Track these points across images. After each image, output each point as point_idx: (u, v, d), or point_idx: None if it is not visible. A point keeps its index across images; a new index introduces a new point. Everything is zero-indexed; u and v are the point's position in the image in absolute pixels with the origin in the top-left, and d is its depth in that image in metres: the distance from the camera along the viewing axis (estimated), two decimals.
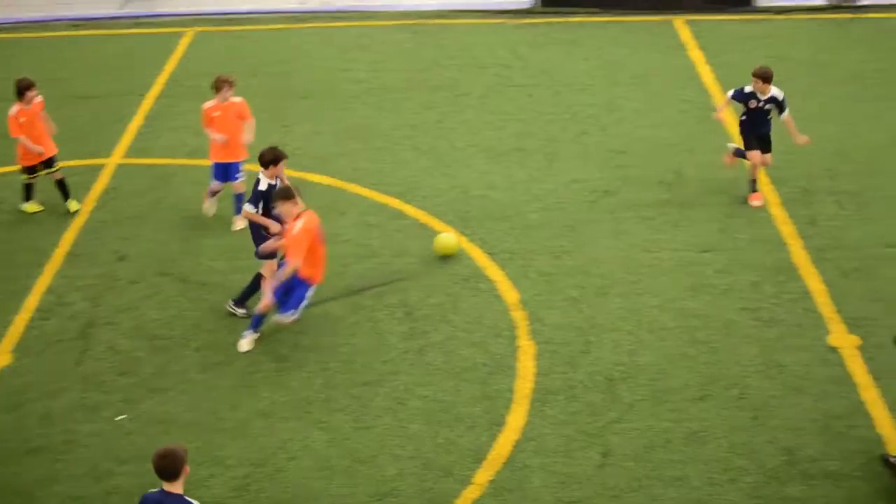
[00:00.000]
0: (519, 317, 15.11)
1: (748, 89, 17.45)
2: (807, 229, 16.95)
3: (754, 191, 17.73)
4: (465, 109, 21.15)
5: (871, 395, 13.56)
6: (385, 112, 21.12)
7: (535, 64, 23.10)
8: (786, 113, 17.47)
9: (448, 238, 16.63)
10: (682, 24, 24.79)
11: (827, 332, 14.71)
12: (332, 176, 18.77)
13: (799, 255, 16.34)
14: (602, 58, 23.35)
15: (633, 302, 15.37)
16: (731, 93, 17.72)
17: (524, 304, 15.38)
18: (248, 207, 15.04)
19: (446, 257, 16.47)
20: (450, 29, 25.01)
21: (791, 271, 15.97)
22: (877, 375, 13.86)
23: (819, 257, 16.26)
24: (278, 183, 14.87)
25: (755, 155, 17.54)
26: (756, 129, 17.56)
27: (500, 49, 23.91)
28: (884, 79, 22.04)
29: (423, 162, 19.24)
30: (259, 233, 15.13)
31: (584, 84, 22.06)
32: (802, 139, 17.67)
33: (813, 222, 17.15)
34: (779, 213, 17.37)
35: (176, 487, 9.53)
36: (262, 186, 14.88)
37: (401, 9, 26.13)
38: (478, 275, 16.05)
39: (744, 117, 17.64)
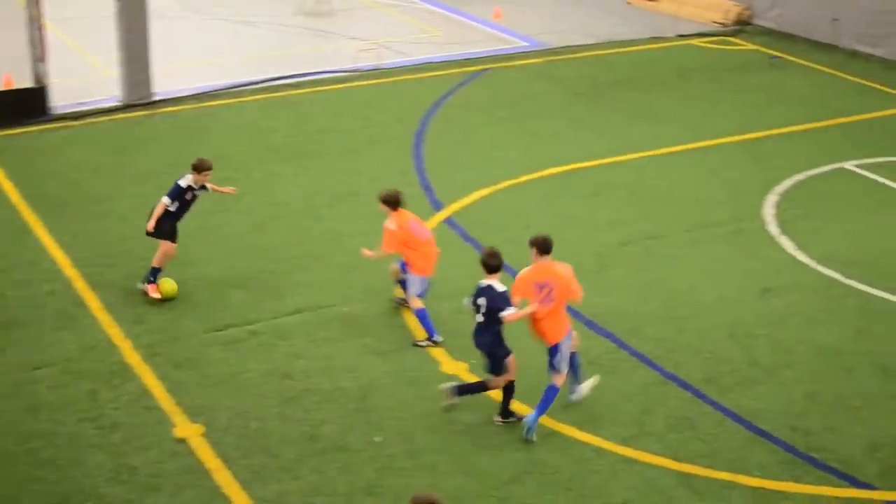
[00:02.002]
0: None
1: (185, 183, 17.63)
2: (134, 328, 16.93)
3: (152, 282, 17.79)
4: None
5: (224, 478, 13.75)
6: None
7: None
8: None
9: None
10: None
11: (172, 426, 14.74)
12: None
13: (131, 355, 16.28)
14: None
15: None
16: (167, 199, 17.61)
17: None
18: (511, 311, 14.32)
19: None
20: None
21: (126, 373, 15.87)
22: (225, 458, 14.09)
23: (150, 353, 16.29)
24: None
25: (173, 247, 17.76)
26: (180, 218, 17.81)
27: None
28: (177, 173, 22.46)
29: None
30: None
31: None
32: (228, 189, 18.69)
33: (140, 321, 17.17)
34: (104, 317, 17.22)
35: None
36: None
37: None
38: None
39: (174, 208, 17.63)
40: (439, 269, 18.43)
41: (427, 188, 21.99)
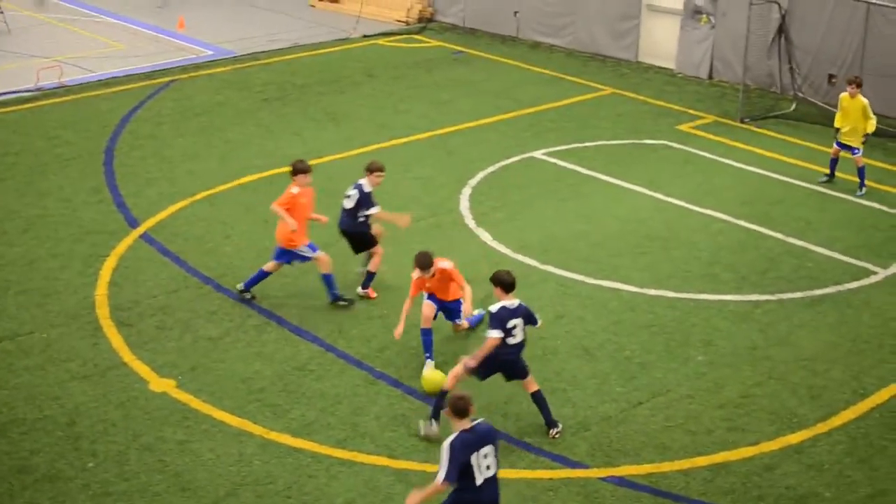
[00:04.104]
0: None
1: (368, 188, 18.03)
2: None
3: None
4: None
5: None
6: None
7: None
8: None
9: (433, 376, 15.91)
10: None
11: None
12: None
13: None
14: None
15: None
16: (373, 210, 18.23)
17: None
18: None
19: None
20: None
21: None
22: None
23: None
24: None
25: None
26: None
27: None
28: None
29: None
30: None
31: None
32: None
33: None
34: None
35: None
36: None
37: None
38: None
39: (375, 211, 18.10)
40: (139, 285, 18.17)
41: (121, 205, 21.54)
